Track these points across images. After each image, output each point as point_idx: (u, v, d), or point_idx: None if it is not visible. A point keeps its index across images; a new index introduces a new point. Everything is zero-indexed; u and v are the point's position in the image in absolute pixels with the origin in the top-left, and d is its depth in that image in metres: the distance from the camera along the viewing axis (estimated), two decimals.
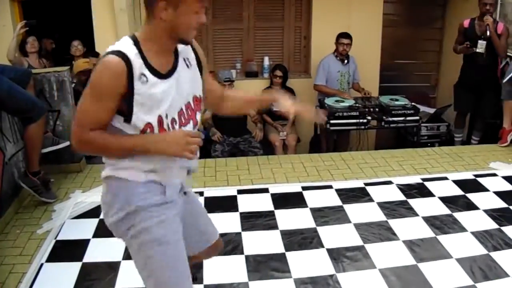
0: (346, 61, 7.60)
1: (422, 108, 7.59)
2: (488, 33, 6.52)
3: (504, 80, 6.41)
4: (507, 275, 3.73)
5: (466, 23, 6.91)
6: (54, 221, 4.54)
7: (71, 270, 3.84)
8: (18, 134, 4.92)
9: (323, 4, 8.25)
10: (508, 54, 6.67)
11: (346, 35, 7.48)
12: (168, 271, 2.46)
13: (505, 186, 5.21)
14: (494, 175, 5.49)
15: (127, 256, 3.92)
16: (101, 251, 4.07)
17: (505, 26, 6.67)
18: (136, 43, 2.31)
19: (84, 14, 7.44)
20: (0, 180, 4.53)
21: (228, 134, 7.41)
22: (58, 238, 4.27)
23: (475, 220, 4.51)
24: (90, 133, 2.28)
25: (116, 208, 2.44)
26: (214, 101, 2.80)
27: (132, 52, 2.27)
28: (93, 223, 4.49)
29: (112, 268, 3.85)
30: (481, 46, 6.68)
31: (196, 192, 4.91)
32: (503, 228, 4.37)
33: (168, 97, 2.35)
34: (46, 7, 8.43)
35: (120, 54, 2.23)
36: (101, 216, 4.49)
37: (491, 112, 7.06)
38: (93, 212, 4.67)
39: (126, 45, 2.29)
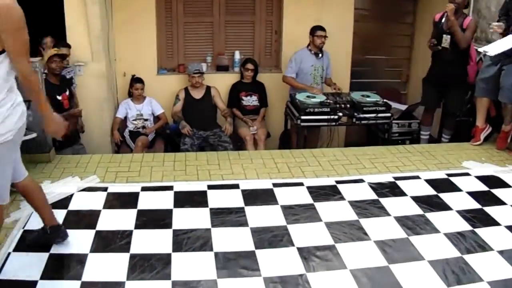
0: (320, 55, 7.53)
1: (393, 105, 7.55)
2: (445, 20, 6.57)
3: (478, 77, 6.36)
4: (481, 279, 3.66)
5: (437, 16, 6.88)
6: (22, 210, 4.42)
7: (38, 260, 3.73)
8: None
9: None
10: (479, 49, 6.58)
11: (322, 28, 7.43)
12: None
13: (478, 186, 5.16)
14: (467, 174, 5.44)
15: (95, 249, 3.89)
16: (69, 242, 3.95)
17: (472, 21, 6.61)
18: None
19: (55, 6, 7.28)
20: None
21: (197, 128, 7.33)
22: (26, 228, 4.15)
23: (448, 221, 4.45)
24: None
25: None
26: None
27: None
28: (61, 214, 4.35)
29: (80, 261, 3.73)
30: (445, 41, 6.66)
31: (166, 186, 4.84)
32: (477, 230, 4.30)
33: None
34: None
35: None
36: (70, 207, 4.44)
37: (457, 108, 7.04)
38: (62, 203, 4.57)
39: None
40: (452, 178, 5.32)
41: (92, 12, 6.97)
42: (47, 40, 7.15)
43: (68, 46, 6.94)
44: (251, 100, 7.87)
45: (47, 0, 7.53)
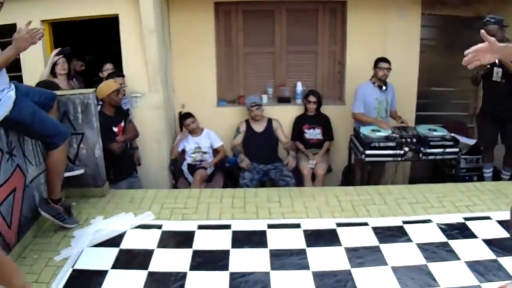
0: (384, 87, 7.30)
1: (461, 139, 7.29)
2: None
3: None
4: None
5: None
6: (73, 248, 4.35)
7: None
8: (40, 156, 4.81)
9: (358, 29, 8.05)
10: None
11: (385, 60, 7.20)
12: None
13: None
14: None
15: None
16: (119, 284, 3.86)
17: None
18: None
19: (116, 35, 7.33)
20: (21, 203, 4.40)
21: (258, 161, 7.22)
22: (75, 267, 4.06)
23: None
24: None
25: None
26: None
27: None
28: (113, 252, 4.29)
29: None
30: (496, 74, 6.37)
31: (223, 225, 4.72)
32: None
33: None
34: (77, 28, 8.31)
35: None
36: (122, 246, 4.35)
37: None
38: (114, 241, 4.49)
39: None
40: None
41: (149, 43, 6.99)
42: (108, 67, 7.20)
43: (122, 76, 6.98)
44: (314, 133, 7.73)
45: (108, 28, 7.63)
